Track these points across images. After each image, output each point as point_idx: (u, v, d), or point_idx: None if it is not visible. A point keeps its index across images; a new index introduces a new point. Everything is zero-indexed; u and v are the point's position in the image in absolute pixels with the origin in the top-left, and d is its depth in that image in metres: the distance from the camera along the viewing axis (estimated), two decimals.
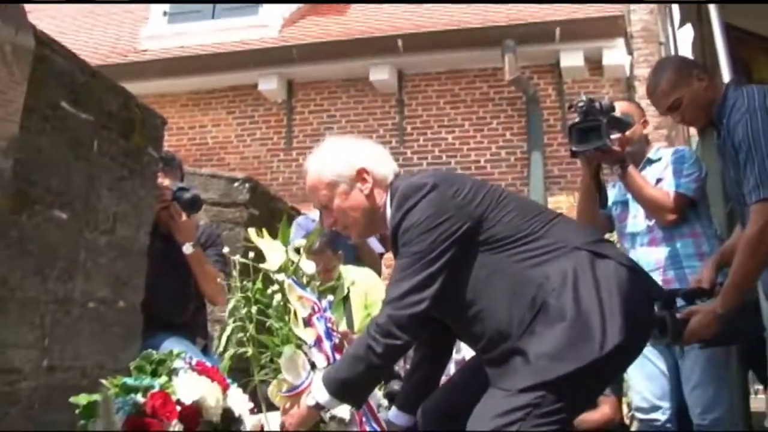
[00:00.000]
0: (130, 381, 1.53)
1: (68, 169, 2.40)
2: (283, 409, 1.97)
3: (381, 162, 2.09)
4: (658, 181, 2.84)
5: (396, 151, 7.61)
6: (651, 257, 2.80)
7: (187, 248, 2.98)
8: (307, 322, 2.05)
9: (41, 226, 2.27)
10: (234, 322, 2.11)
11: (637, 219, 2.88)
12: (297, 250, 2.24)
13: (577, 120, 2.67)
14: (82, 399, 1.42)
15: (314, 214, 4.24)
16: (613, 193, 2.99)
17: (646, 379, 2.82)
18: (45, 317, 2.28)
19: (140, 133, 2.80)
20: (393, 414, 2.28)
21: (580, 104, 2.66)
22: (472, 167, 7.43)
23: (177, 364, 1.67)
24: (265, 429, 2.00)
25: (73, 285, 2.41)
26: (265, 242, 2.16)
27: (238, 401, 1.82)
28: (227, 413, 1.78)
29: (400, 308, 1.84)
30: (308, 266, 2.17)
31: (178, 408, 1.56)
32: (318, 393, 1.89)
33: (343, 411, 2.07)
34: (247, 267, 2.18)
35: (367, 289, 3.63)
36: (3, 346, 2.11)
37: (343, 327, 3.54)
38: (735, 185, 2.34)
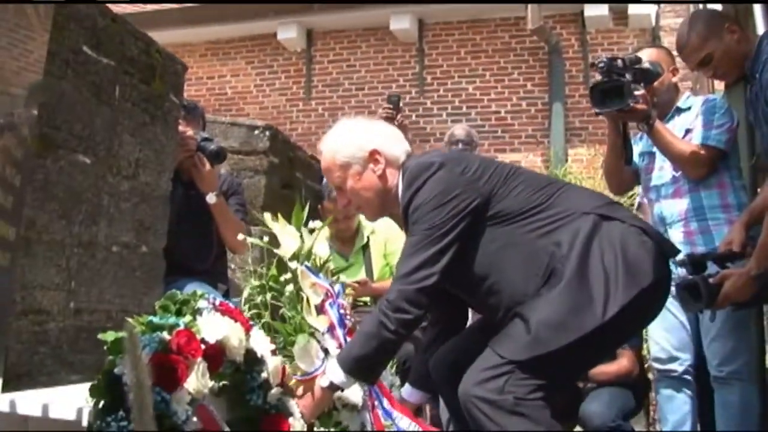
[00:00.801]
0: (155, 319, 1.56)
1: (91, 114, 2.41)
2: (297, 395, 2.01)
3: (393, 143, 2.12)
4: (688, 131, 2.77)
5: (416, 101, 7.55)
6: (675, 209, 2.77)
7: (211, 198, 3.00)
8: (320, 310, 2.06)
9: (66, 170, 2.29)
10: (249, 309, 2.14)
11: (663, 170, 2.83)
12: (311, 231, 2.25)
13: (598, 80, 2.63)
14: (110, 336, 1.45)
15: None
16: (640, 144, 2.94)
17: (665, 330, 2.82)
18: (70, 260, 2.32)
19: (161, 79, 2.80)
20: (407, 391, 2.30)
21: (600, 64, 2.61)
22: (492, 118, 7.37)
23: (201, 304, 1.69)
24: None
25: (97, 229, 2.45)
26: (279, 226, 2.15)
27: (261, 342, 1.85)
28: (250, 353, 1.80)
29: (410, 283, 1.88)
30: (322, 249, 2.17)
31: (203, 347, 1.59)
32: (333, 373, 1.93)
33: (355, 396, 2.08)
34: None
35: (387, 239, 3.65)
36: (31, 287, 2.15)
37: (362, 275, 3.57)
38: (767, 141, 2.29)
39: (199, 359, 1.57)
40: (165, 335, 1.51)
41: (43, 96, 2.16)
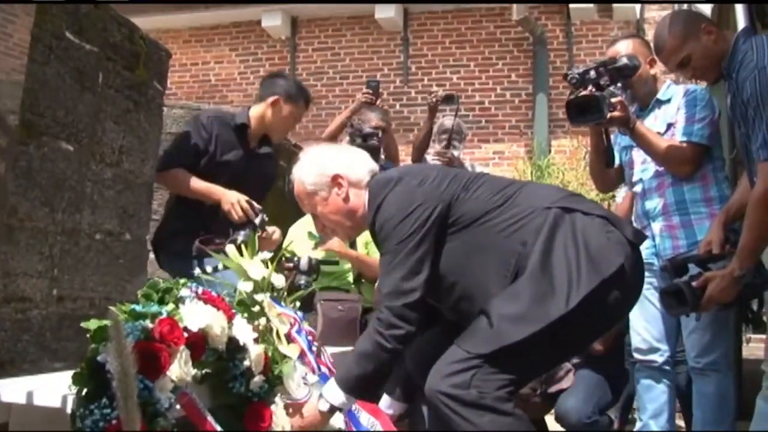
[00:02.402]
0: (138, 307, 1.56)
1: (74, 100, 2.40)
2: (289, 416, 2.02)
3: (355, 165, 2.16)
4: (670, 126, 2.78)
5: (400, 90, 7.56)
6: (657, 202, 2.79)
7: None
8: (289, 338, 2.07)
9: (49, 157, 2.28)
10: None
11: (646, 164, 2.84)
12: (265, 263, 2.23)
13: (572, 95, 2.64)
14: (93, 324, 1.45)
15: None
16: (623, 139, 2.95)
17: (645, 321, 2.85)
18: (54, 248, 2.31)
19: (145, 66, 2.79)
20: (385, 402, 2.31)
21: (573, 80, 2.63)
22: (476, 108, 7.39)
23: (183, 292, 1.70)
24: None
25: (80, 216, 2.44)
26: (245, 260, 2.15)
27: (243, 331, 1.85)
28: (232, 342, 1.81)
29: (396, 299, 1.90)
30: (278, 280, 2.16)
31: (185, 335, 1.59)
32: (332, 395, 1.95)
33: (338, 424, 2.08)
34: None
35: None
36: (14, 274, 2.15)
37: (347, 265, 3.58)
38: (746, 139, 2.31)
39: (182, 347, 1.57)
40: (148, 323, 1.52)
41: (25, 82, 2.15)
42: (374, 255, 3.62)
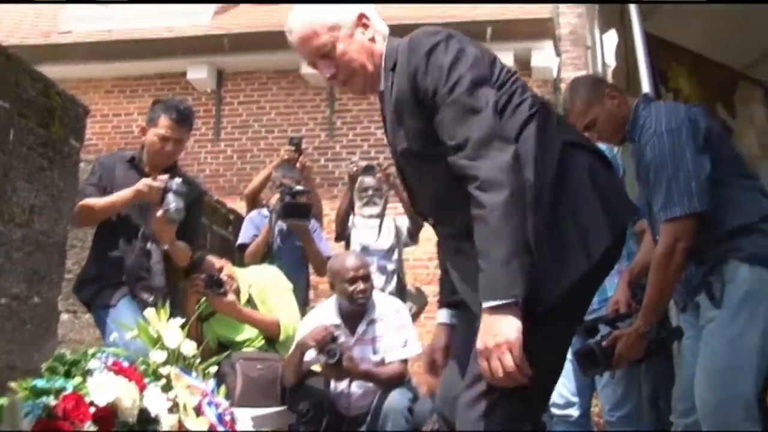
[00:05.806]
0: (41, 383, 1.49)
1: None
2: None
3: (377, 15, 1.93)
4: None
5: (325, 145, 7.61)
6: None
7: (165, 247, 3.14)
8: (198, 411, 2.03)
9: None
10: None
11: None
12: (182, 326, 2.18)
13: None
14: None
15: (265, 211, 4.23)
16: None
17: (563, 376, 2.90)
18: None
19: (61, 122, 2.73)
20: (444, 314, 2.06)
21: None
22: None
23: (92, 364, 1.64)
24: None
25: None
26: (162, 324, 2.09)
27: (156, 401, 1.79)
28: (144, 414, 1.75)
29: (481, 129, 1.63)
30: (188, 347, 2.08)
31: (92, 410, 1.53)
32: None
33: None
34: None
35: (264, 286, 3.68)
36: None
37: (253, 332, 3.55)
38: (649, 200, 2.42)
39: (88, 423, 1.51)
40: (51, 400, 1.45)
41: None
42: (267, 304, 3.61)
